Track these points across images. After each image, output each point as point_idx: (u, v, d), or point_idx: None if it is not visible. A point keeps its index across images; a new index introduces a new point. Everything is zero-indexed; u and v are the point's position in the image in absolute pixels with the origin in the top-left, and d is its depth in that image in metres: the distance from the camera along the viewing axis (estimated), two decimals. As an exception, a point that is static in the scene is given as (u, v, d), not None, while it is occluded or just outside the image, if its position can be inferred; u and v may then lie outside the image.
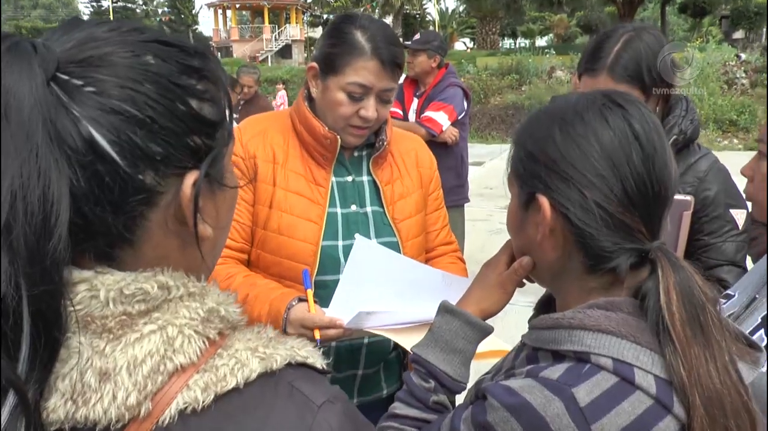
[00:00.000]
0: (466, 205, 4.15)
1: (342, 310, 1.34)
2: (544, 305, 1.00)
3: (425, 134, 3.70)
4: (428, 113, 3.73)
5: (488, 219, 7.61)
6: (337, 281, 1.40)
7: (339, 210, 1.52)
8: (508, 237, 1.00)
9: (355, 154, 1.58)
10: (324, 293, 1.42)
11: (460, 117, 3.80)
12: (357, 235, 1.44)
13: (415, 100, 3.90)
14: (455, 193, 3.92)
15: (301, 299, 1.38)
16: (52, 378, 0.55)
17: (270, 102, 6.93)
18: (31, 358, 0.52)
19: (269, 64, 32.36)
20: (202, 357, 0.60)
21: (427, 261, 1.65)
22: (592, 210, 0.81)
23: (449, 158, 3.85)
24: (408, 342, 1.25)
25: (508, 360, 0.95)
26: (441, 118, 3.71)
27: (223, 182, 0.65)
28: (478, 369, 1.08)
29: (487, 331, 1.01)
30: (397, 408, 1.00)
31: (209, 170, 0.62)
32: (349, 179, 1.56)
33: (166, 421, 0.57)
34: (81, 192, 0.54)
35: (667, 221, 0.86)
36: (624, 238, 0.81)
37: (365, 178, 1.57)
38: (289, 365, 0.63)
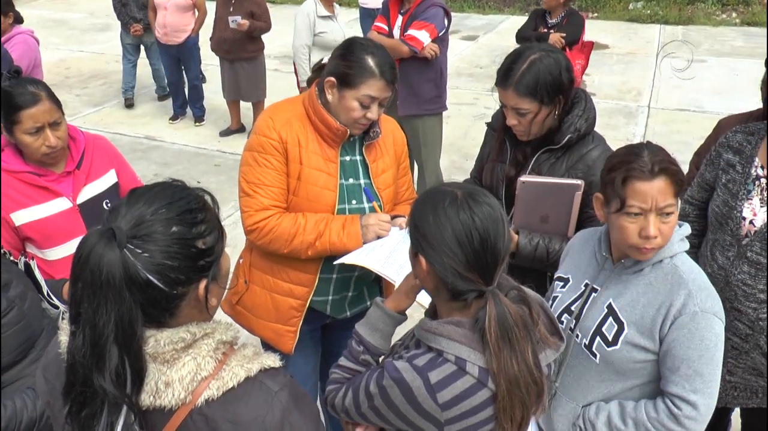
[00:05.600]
0: (450, 89, 4.74)
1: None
2: (434, 307, 1.46)
3: (408, 50, 4.09)
4: (411, 32, 4.08)
5: (474, 103, 7.65)
6: None
7: (344, 182, 2.08)
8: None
9: (351, 139, 2.10)
10: None
11: (440, 34, 4.16)
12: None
13: (400, 18, 4.22)
14: (434, 102, 4.38)
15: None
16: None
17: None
18: (132, 382, 1.01)
19: None
20: (215, 370, 1.07)
21: (395, 205, 2.24)
22: (448, 269, 1.25)
23: (430, 71, 4.26)
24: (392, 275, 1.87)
25: (408, 338, 1.47)
26: (422, 36, 4.07)
27: (219, 279, 1.13)
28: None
29: (400, 321, 1.52)
30: (342, 360, 1.53)
31: (213, 273, 1.10)
32: (348, 158, 2.10)
33: (199, 405, 1.05)
34: (145, 304, 1.02)
35: (502, 269, 1.30)
36: (469, 285, 1.25)
37: (358, 157, 2.12)
38: (260, 370, 1.10)
